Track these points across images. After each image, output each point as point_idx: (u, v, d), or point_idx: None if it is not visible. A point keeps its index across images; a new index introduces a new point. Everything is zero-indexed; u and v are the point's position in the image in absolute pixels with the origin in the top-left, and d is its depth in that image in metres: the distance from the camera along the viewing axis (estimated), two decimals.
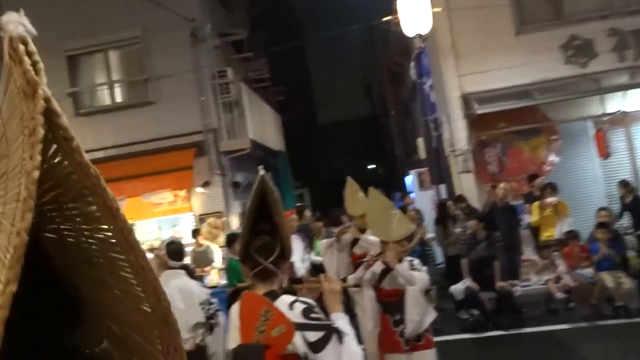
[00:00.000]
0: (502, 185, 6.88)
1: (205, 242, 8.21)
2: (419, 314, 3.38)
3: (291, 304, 1.82)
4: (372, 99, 28.50)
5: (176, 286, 3.22)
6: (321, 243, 5.56)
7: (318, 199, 17.79)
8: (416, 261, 3.60)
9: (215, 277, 7.88)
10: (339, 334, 1.78)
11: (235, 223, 9.66)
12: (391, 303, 3.56)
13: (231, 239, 6.73)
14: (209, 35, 10.06)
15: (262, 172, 1.98)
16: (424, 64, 8.52)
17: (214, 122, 9.71)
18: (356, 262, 5.09)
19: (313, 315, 1.78)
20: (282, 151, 14.00)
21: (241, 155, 9.88)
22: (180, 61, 9.66)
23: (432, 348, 3.52)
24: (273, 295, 1.85)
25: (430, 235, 8.02)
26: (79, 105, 10.02)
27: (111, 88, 10.14)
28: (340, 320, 1.93)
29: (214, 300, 3.15)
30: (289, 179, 13.99)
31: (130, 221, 0.68)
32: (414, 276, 3.43)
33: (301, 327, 1.75)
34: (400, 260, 3.51)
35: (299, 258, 5.48)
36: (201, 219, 9.47)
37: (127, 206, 9.59)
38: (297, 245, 5.53)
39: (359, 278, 3.79)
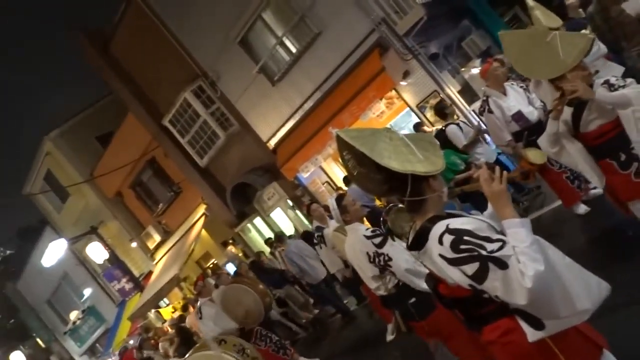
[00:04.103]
0: None
1: (431, 129, 8.01)
2: None
3: (440, 237, 1.60)
4: None
5: (349, 244, 3.31)
6: None
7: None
8: (613, 79, 2.57)
9: None
10: (498, 260, 1.48)
11: (453, 93, 9.05)
12: (604, 144, 2.67)
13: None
14: None
15: (333, 132, 1.76)
16: None
17: (379, 12, 9.10)
18: None
19: (463, 246, 1.54)
20: None
21: (422, 25, 9.03)
22: None
23: None
24: (432, 222, 1.69)
25: None
26: (271, 75, 10.88)
27: (282, 44, 10.60)
28: (512, 228, 1.56)
29: (382, 250, 3.07)
30: (490, 12, 12.09)
31: None
32: (625, 95, 2.46)
33: (454, 262, 1.57)
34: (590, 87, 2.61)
35: (525, 103, 4.71)
36: (420, 107, 9.22)
37: None
38: (513, 92, 4.79)
39: (551, 135, 2.97)
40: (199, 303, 6.10)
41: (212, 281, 8.51)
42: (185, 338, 7.93)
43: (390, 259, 3.03)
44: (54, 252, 14.28)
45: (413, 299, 2.95)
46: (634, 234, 3.81)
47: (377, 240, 3.12)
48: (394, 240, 3.19)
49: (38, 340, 25.30)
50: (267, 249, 11.55)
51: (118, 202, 16.08)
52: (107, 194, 16.05)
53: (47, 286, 21.35)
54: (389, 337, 5.34)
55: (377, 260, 3.07)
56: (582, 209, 4.59)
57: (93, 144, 16.60)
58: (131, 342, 13.58)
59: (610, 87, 2.53)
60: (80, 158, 16.26)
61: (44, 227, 20.17)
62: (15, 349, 23.66)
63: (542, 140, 3.10)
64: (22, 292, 23.12)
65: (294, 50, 10.50)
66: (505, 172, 1.69)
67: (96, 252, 14.94)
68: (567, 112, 2.82)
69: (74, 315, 20.78)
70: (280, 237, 10.28)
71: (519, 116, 4.67)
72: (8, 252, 35.76)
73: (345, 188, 10.53)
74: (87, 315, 20.15)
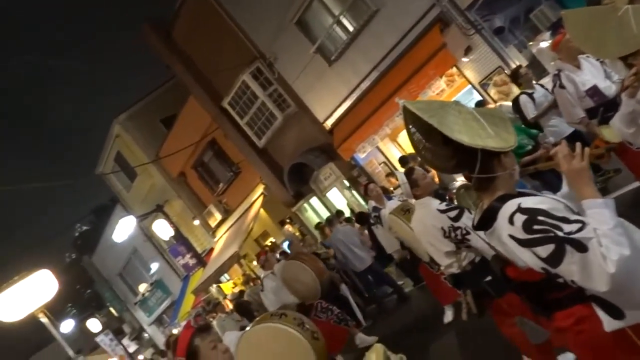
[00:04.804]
0: None
1: (493, 106, 7.67)
2: None
3: (511, 217, 1.49)
4: None
5: (418, 219, 3.20)
6: None
7: None
8: None
9: None
10: (576, 242, 1.36)
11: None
12: None
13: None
14: None
15: (400, 102, 1.65)
16: None
17: None
18: None
19: (536, 227, 1.43)
20: None
21: None
22: None
23: None
24: (502, 200, 1.59)
25: None
26: (327, 55, 10.80)
27: (339, 23, 10.46)
28: (594, 209, 1.42)
29: (458, 224, 2.91)
30: None
31: None
32: None
33: (526, 243, 1.46)
34: None
35: (601, 77, 4.36)
36: (483, 85, 8.82)
37: None
38: (589, 65, 4.44)
39: (626, 114, 2.66)
40: (262, 276, 6.31)
41: (274, 256, 8.68)
42: (243, 313, 8.21)
43: (468, 233, 2.90)
44: (124, 228, 15.17)
45: (489, 277, 2.78)
46: None
47: (453, 213, 2.99)
48: (470, 213, 3.04)
49: (111, 309, 27.23)
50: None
51: (181, 181, 16.79)
52: (172, 174, 16.79)
53: (119, 260, 22.86)
54: (447, 319, 5.25)
55: (453, 234, 2.95)
56: None
57: (158, 126, 17.35)
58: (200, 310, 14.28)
59: None
60: (147, 140, 17.07)
61: (115, 205, 21.50)
62: (92, 317, 25.61)
63: (616, 121, 2.84)
64: (96, 265, 24.92)
65: (350, 29, 10.34)
66: (587, 149, 1.55)
67: (162, 229, 15.73)
68: None
69: (143, 287, 22.15)
70: (331, 220, 10.24)
71: (594, 91, 4.34)
72: (84, 228, 38.49)
73: (401, 169, 10.36)
74: (155, 288, 21.40)
